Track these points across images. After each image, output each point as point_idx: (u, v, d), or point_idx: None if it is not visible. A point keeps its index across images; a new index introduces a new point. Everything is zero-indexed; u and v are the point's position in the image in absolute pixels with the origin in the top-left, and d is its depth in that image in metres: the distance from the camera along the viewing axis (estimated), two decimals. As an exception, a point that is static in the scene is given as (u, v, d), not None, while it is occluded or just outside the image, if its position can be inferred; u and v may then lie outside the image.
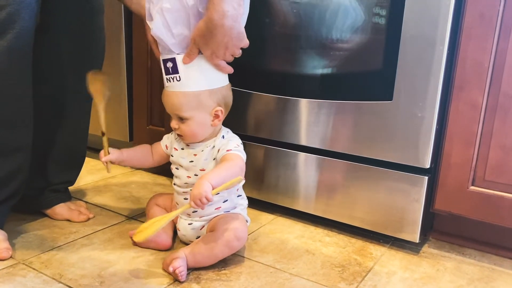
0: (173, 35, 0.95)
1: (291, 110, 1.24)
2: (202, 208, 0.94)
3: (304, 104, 1.22)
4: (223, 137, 1.05)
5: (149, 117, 1.59)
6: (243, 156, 1.03)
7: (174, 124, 1.03)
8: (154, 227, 0.95)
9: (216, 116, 1.03)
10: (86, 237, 1.12)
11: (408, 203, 1.12)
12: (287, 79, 1.24)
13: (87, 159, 1.73)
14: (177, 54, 0.97)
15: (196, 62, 0.97)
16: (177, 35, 0.95)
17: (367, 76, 1.12)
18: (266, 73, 1.28)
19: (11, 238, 1.08)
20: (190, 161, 1.05)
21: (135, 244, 1.09)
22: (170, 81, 0.98)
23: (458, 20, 1.03)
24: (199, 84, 0.99)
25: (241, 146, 1.05)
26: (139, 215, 1.28)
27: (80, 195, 1.40)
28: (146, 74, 1.55)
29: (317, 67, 1.19)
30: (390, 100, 1.09)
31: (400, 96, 1.08)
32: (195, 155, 1.05)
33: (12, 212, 1.11)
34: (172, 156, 1.10)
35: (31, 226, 1.17)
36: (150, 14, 0.98)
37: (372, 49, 1.11)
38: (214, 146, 1.04)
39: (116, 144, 1.75)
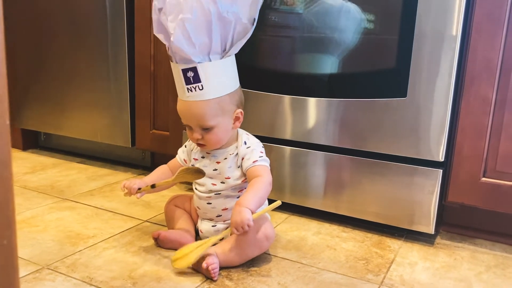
0: (194, 44, 0.93)
1: (304, 110, 1.26)
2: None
3: (317, 103, 1.24)
4: (245, 143, 1.04)
5: (153, 121, 1.57)
6: (268, 164, 1.04)
7: (197, 135, 1.00)
8: (196, 253, 0.94)
9: (237, 118, 1.02)
10: (105, 241, 1.11)
11: (423, 196, 1.16)
12: (300, 79, 1.26)
13: (86, 166, 1.73)
14: (198, 63, 0.95)
15: (216, 67, 0.96)
16: (198, 44, 0.93)
17: (381, 74, 1.16)
18: (278, 74, 1.29)
19: (28, 245, 1.05)
20: (213, 170, 1.05)
21: (158, 245, 1.08)
22: (191, 90, 0.96)
23: (467, 18, 1.08)
24: (220, 89, 0.97)
25: (264, 152, 1.05)
26: (153, 218, 1.26)
27: (87, 201, 1.37)
28: (149, 78, 1.54)
29: (331, 66, 1.22)
30: (404, 97, 1.13)
31: (414, 92, 1.12)
32: (218, 162, 1.04)
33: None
34: (193, 166, 1.08)
35: (47, 232, 1.14)
36: (160, 27, 0.95)
37: (386, 47, 1.15)
38: (237, 154, 1.04)
39: (118, 150, 1.74)
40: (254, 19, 0.99)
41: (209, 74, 0.95)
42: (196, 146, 1.10)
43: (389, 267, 1.04)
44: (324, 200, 1.29)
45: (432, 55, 1.09)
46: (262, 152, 1.04)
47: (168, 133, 1.53)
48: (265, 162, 1.03)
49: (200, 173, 0.98)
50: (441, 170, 1.14)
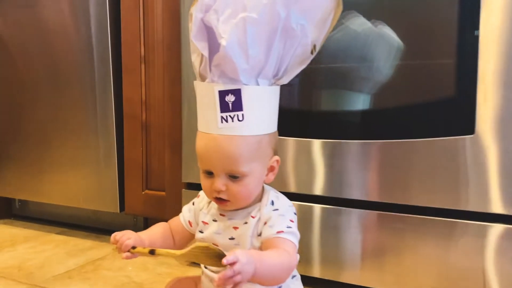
0: (248, 57, 0.71)
1: (334, 156, 1.03)
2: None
3: (351, 147, 1.01)
4: (272, 203, 0.78)
5: (145, 180, 1.36)
6: (297, 241, 0.77)
7: (219, 185, 0.74)
8: None
9: (272, 168, 0.79)
10: None
11: (503, 263, 0.89)
12: (327, 119, 1.05)
13: (66, 238, 1.47)
14: (244, 84, 0.73)
15: (263, 95, 0.75)
16: (252, 58, 0.72)
17: (437, 106, 0.94)
18: (299, 114, 1.07)
19: None
20: (230, 238, 0.77)
21: None
22: (226, 120, 0.73)
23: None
24: (262, 125, 0.75)
25: (295, 220, 0.78)
26: (147, 309, 0.97)
27: (63, 286, 1.08)
28: (141, 128, 1.34)
29: (366, 102, 1.02)
30: (472, 134, 0.89)
31: (484, 128, 0.88)
32: (235, 228, 0.77)
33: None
34: (202, 232, 0.81)
35: None
36: (201, 31, 0.74)
37: (440, 74, 0.93)
38: (260, 218, 0.77)
39: (104, 216, 1.50)
40: (315, 46, 0.77)
41: (254, 102, 0.73)
42: (207, 204, 0.82)
43: None
44: (364, 272, 1.03)
45: (507, 79, 0.85)
46: (292, 221, 0.76)
47: (164, 193, 1.30)
48: (294, 237, 0.76)
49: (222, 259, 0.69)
50: (528, 228, 0.87)
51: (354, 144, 1.00)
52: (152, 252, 0.73)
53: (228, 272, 0.63)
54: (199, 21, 0.73)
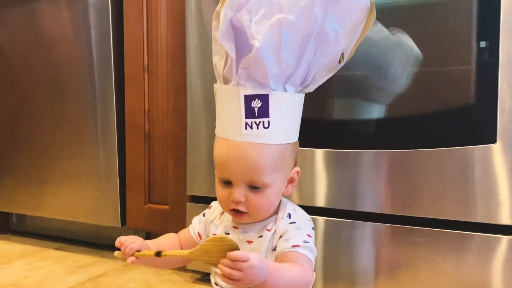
0: (281, 61, 0.68)
1: (344, 166, 0.99)
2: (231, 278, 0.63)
3: (362, 157, 0.97)
4: (288, 216, 0.75)
5: (148, 193, 1.32)
6: (313, 257, 0.74)
7: (238, 196, 0.70)
8: None
9: (292, 180, 0.75)
10: None
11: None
12: (338, 128, 1.01)
13: (65, 254, 1.43)
14: (273, 90, 0.70)
15: (290, 102, 0.72)
16: (284, 62, 0.69)
17: (455, 114, 0.90)
18: (308, 122, 1.03)
19: None
20: None
21: None
22: (251, 127, 0.69)
23: None
24: (287, 134, 0.72)
25: (313, 235, 0.75)
26: (151, 329, 0.92)
27: (61, 306, 1.03)
28: (144, 140, 1.30)
29: (382, 109, 0.98)
30: (493, 143, 0.86)
31: (507, 136, 0.85)
32: (249, 242, 0.73)
33: None
34: None
35: None
36: (229, 32, 0.70)
37: (458, 81, 0.90)
38: (275, 231, 0.73)
39: (105, 231, 1.46)
40: (343, 55, 0.74)
41: (281, 109, 0.70)
42: (219, 216, 0.78)
43: None
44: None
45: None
46: (310, 236, 0.73)
47: (167, 207, 1.27)
48: (310, 252, 0.72)
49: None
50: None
51: (367, 154, 0.97)
52: (158, 254, 0.69)
53: (229, 262, 0.61)
54: (228, 21, 0.69)
